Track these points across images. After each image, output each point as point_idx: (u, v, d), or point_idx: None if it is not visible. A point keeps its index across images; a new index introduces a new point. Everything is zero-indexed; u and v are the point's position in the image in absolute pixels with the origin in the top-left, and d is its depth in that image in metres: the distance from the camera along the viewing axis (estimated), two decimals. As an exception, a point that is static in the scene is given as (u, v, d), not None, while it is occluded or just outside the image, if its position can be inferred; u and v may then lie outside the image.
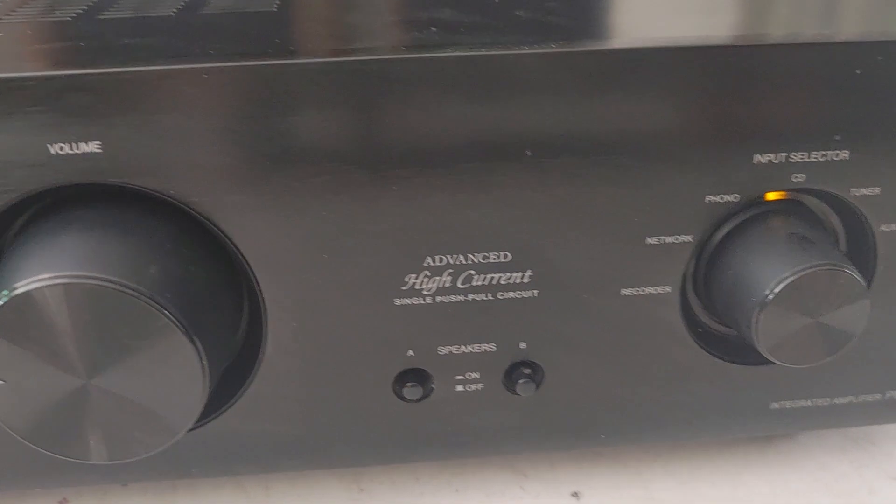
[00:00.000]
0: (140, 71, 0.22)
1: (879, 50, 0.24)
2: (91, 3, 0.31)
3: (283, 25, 0.28)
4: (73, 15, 0.29)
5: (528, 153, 0.24)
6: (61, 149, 0.22)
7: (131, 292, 0.22)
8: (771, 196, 0.26)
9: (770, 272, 0.24)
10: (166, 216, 0.24)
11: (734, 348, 0.28)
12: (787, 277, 0.24)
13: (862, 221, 0.26)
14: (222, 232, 0.24)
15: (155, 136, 0.23)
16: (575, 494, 0.31)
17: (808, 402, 0.29)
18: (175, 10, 0.30)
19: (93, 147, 0.22)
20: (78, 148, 0.22)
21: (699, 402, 0.28)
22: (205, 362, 0.23)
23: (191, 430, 0.27)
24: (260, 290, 0.25)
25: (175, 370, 0.23)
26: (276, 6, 0.30)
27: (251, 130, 0.23)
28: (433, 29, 0.26)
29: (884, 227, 0.26)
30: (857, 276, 0.24)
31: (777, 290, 0.24)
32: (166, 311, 0.22)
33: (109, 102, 0.22)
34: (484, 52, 0.23)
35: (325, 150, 0.23)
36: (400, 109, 0.23)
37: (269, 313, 0.25)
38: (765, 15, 0.28)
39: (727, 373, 0.28)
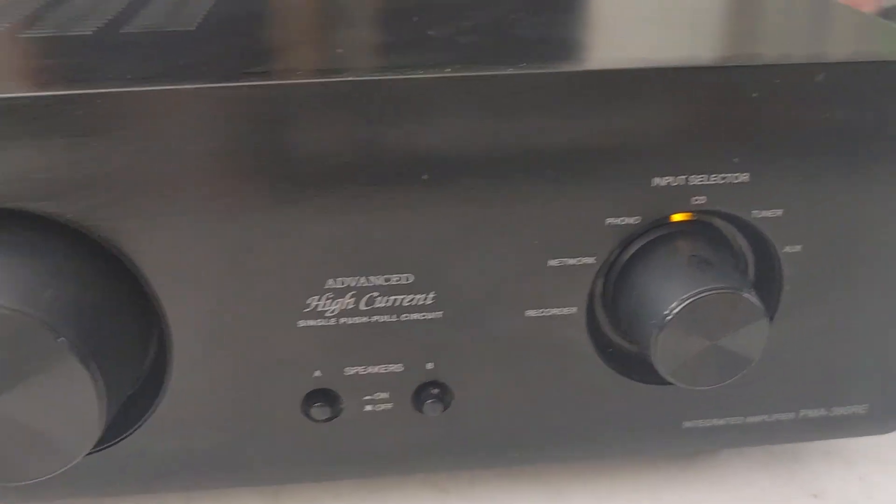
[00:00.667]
0: (35, 97, 0.22)
1: (775, 73, 0.24)
2: (14, 21, 0.31)
3: (196, 45, 0.28)
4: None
5: (425, 177, 0.24)
6: (-46, 174, 0.22)
7: (25, 316, 0.22)
8: (677, 217, 0.26)
9: (669, 294, 0.25)
10: (66, 241, 0.24)
11: (645, 368, 0.28)
12: (684, 300, 0.24)
13: (766, 243, 0.26)
14: (123, 255, 0.24)
15: (50, 161, 0.23)
16: (504, 512, 0.31)
17: (722, 421, 0.29)
18: (94, 29, 0.30)
19: (-15, 172, 0.22)
20: (-30, 173, 0.22)
21: (610, 421, 0.29)
22: (101, 388, 0.23)
23: (105, 448, 0.27)
24: (164, 313, 0.25)
25: (71, 396, 0.23)
26: (195, 25, 0.30)
27: (148, 153, 0.23)
28: (339, 51, 0.26)
29: (787, 249, 0.26)
30: (755, 300, 0.24)
31: (674, 313, 0.24)
32: (61, 336, 0.22)
33: (2, 127, 0.22)
34: (377, 76, 0.23)
35: (221, 173, 0.23)
36: (298, 134, 0.23)
37: (173, 335, 0.25)
38: (667, 37, 0.28)
39: (638, 392, 0.28)
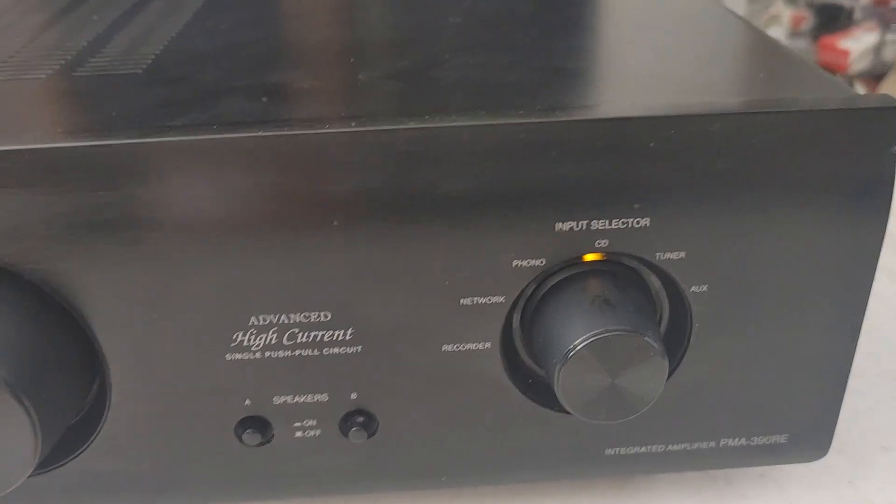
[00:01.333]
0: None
1: (669, 125, 0.25)
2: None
3: (134, 91, 0.30)
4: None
5: (335, 223, 0.25)
6: None
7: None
8: (590, 257, 0.27)
9: (571, 333, 0.26)
10: (5, 283, 0.26)
11: (565, 398, 0.29)
12: (582, 340, 0.25)
13: (674, 283, 0.27)
14: (58, 296, 0.26)
15: (-13, 209, 0.25)
16: (431, 530, 0.32)
17: (643, 449, 0.30)
18: (49, 72, 0.32)
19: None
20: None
21: (532, 449, 0.30)
22: (35, 423, 0.25)
23: (56, 468, 0.29)
24: (100, 347, 0.27)
25: (7, 429, 0.25)
26: (142, 69, 0.31)
27: (73, 203, 0.25)
28: (264, 99, 0.28)
29: (694, 289, 0.27)
30: (652, 342, 0.25)
31: (574, 352, 0.25)
32: (-1, 373, 0.24)
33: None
34: (286, 131, 0.24)
35: (140, 220, 0.25)
36: (213, 184, 0.25)
37: (109, 366, 0.27)
38: (571, 87, 0.29)
39: (559, 422, 0.29)
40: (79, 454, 0.29)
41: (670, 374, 0.29)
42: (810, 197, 0.26)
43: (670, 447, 0.31)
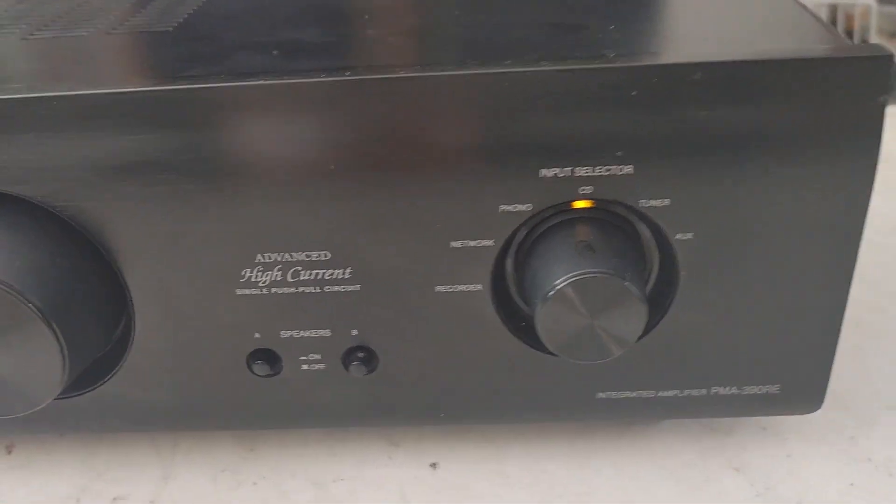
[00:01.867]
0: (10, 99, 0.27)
1: (651, 73, 0.26)
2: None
3: (166, 46, 0.32)
4: None
5: (332, 167, 0.27)
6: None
7: (-1, 282, 0.27)
8: (580, 204, 0.28)
9: (553, 275, 0.27)
10: (39, 219, 0.28)
11: (557, 341, 0.30)
12: (563, 281, 0.26)
13: (660, 231, 0.28)
14: (88, 234, 0.28)
15: (23, 151, 0.27)
16: (433, 465, 0.34)
17: (634, 394, 0.31)
18: (89, 31, 0.34)
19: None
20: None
21: (526, 390, 0.31)
22: (63, 347, 0.27)
23: (84, 392, 0.32)
24: (125, 282, 0.29)
25: (37, 353, 0.27)
26: (172, 26, 0.34)
27: (100, 147, 0.27)
28: (275, 52, 0.30)
29: (679, 236, 0.28)
30: (631, 286, 0.26)
31: (553, 292, 0.27)
32: (29, 302, 0.27)
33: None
34: (287, 80, 0.26)
35: (160, 165, 0.27)
36: (225, 132, 0.27)
37: (134, 301, 0.30)
38: (559, 36, 0.30)
39: (550, 364, 0.31)
40: (106, 381, 0.32)
41: (659, 320, 0.30)
42: (796, 147, 0.27)
43: (661, 393, 0.31)
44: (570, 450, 0.35)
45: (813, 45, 0.27)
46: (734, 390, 0.31)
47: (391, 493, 0.33)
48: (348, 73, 0.26)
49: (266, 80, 0.26)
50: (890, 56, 0.25)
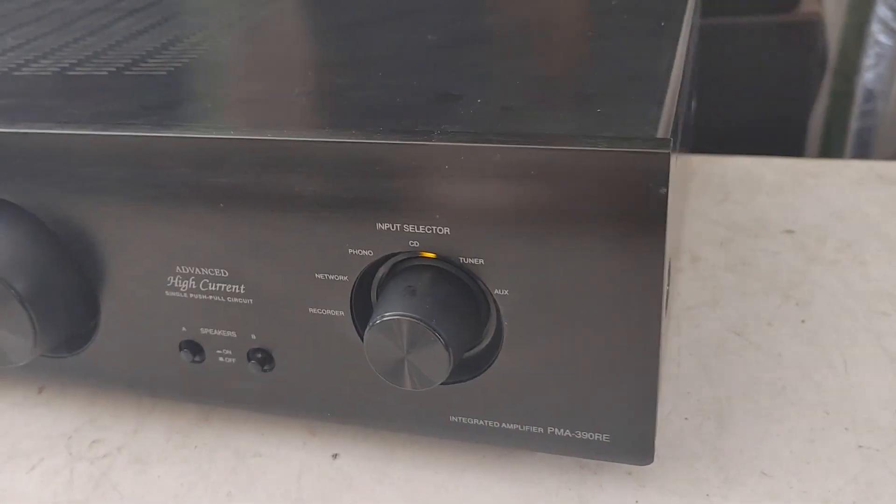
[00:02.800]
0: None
1: (460, 152, 0.30)
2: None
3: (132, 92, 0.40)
4: None
5: (222, 206, 0.34)
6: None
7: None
8: (427, 253, 0.33)
9: (381, 310, 0.32)
10: (22, 220, 0.37)
11: (414, 367, 0.35)
12: (379, 317, 0.32)
13: (483, 285, 0.32)
14: (60, 237, 0.37)
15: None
16: (335, 455, 0.40)
17: (481, 422, 0.36)
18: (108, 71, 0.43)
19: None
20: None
21: (391, 404, 0.36)
22: (35, 325, 0.36)
23: (63, 357, 0.41)
24: (92, 280, 0.38)
25: (14, 326, 0.37)
26: (166, 71, 0.42)
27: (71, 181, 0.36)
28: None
29: (497, 291, 0.32)
30: (434, 331, 0.31)
31: (371, 325, 0.32)
32: (12, 288, 0.36)
33: None
34: (178, 134, 0.33)
35: (110, 192, 0.35)
36: (146, 178, 0.34)
37: (97, 291, 0.38)
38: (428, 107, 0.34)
39: (408, 385, 0.36)
40: (81, 351, 0.41)
41: (494, 360, 0.34)
42: (588, 227, 0.30)
43: (503, 425, 0.35)
44: (451, 459, 0.39)
45: (614, 131, 0.30)
46: (567, 433, 0.35)
47: (290, 474, 0.39)
48: (232, 133, 0.33)
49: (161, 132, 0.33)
50: (666, 154, 0.28)
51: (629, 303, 0.31)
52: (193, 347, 0.38)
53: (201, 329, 0.38)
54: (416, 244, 0.32)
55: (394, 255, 0.33)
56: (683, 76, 0.36)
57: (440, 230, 0.31)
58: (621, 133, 0.29)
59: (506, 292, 0.32)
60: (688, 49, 0.40)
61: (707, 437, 0.39)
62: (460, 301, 0.33)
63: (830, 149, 1.79)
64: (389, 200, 0.32)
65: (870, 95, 1.65)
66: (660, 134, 0.29)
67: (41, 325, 0.37)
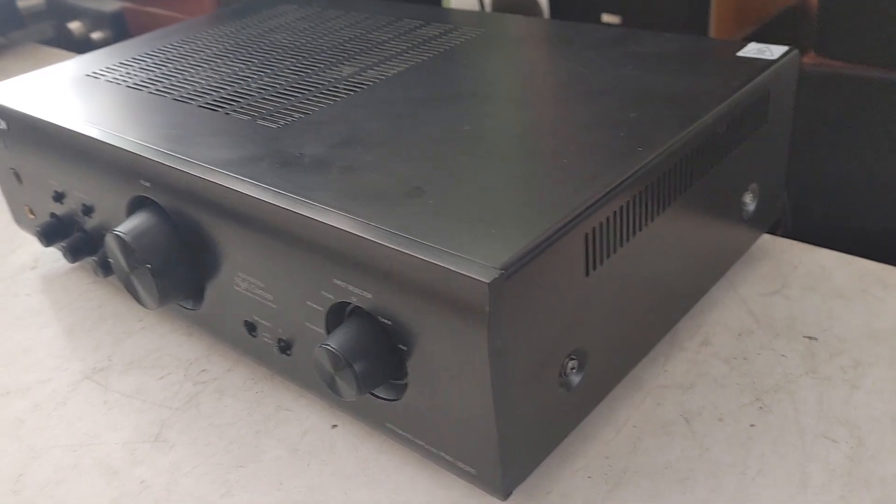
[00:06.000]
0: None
1: (359, 242, 0.42)
2: None
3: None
4: None
5: (260, 247, 0.49)
6: (141, 182, 0.56)
7: None
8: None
9: (326, 338, 0.46)
10: (161, 218, 0.56)
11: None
12: (322, 343, 0.45)
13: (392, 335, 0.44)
14: (181, 231, 0.56)
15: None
16: (334, 426, 0.55)
17: (402, 432, 0.48)
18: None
19: None
20: (144, 184, 0.56)
21: (358, 402, 0.50)
22: (161, 286, 0.55)
23: (196, 309, 0.60)
24: (198, 264, 0.56)
25: (149, 288, 0.56)
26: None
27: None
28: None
29: (399, 345, 0.44)
30: (346, 361, 0.44)
31: (318, 347, 0.45)
32: (148, 262, 0.55)
33: None
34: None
35: (209, 211, 0.53)
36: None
37: (203, 277, 0.56)
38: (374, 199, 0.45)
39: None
40: (198, 309, 0.59)
41: (404, 393, 0.46)
42: (441, 315, 0.40)
43: (416, 440, 0.47)
44: (402, 451, 0.52)
45: (469, 244, 0.40)
46: (451, 459, 0.46)
47: (299, 431, 0.55)
48: (266, 197, 0.48)
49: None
50: (485, 284, 0.38)
51: (470, 382, 0.41)
52: (250, 327, 0.55)
53: (254, 315, 0.54)
54: (354, 299, 0.45)
55: (349, 302, 0.46)
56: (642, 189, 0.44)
57: (367, 294, 0.44)
58: (479, 257, 0.39)
59: (404, 348, 0.44)
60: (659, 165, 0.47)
61: (594, 497, 0.47)
62: (378, 345, 0.45)
63: None
64: (341, 266, 0.45)
65: None
66: (498, 264, 0.39)
67: (162, 290, 0.56)
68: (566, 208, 0.43)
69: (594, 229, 0.44)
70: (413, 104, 0.58)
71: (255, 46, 0.75)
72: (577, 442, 0.51)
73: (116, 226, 0.56)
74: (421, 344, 0.43)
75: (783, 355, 0.56)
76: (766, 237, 0.68)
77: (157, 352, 0.64)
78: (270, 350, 0.54)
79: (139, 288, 0.57)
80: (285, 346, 0.53)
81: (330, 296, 0.46)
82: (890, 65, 1.06)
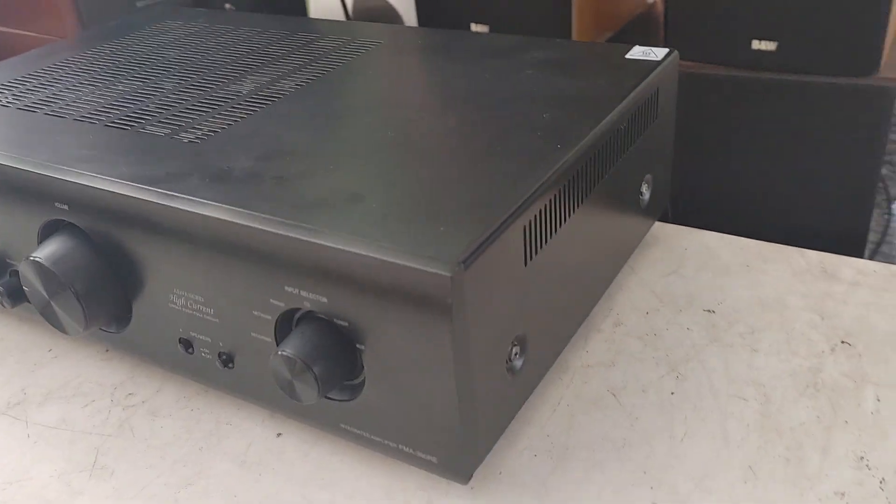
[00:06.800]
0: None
1: (313, 248, 0.44)
2: None
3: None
4: None
5: (200, 257, 0.49)
6: None
7: None
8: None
9: (281, 345, 0.46)
10: (83, 240, 0.55)
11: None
12: (279, 350, 0.46)
13: (349, 338, 0.46)
14: (105, 253, 0.54)
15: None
16: (279, 434, 0.55)
17: (361, 432, 0.49)
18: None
19: None
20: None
21: (308, 406, 0.51)
22: (85, 310, 0.54)
23: (111, 333, 0.59)
24: (125, 285, 0.55)
25: (73, 313, 0.54)
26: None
27: (112, 214, 0.53)
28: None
29: (358, 346, 0.46)
30: (306, 365, 0.45)
31: (275, 355, 0.46)
32: (72, 286, 0.54)
33: None
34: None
35: (134, 226, 0.52)
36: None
37: (130, 297, 0.55)
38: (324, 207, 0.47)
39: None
40: (123, 332, 0.58)
41: (361, 392, 0.47)
42: (404, 311, 0.42)
43: (372, 436, 0.49)
44: (356, 451, 0.53)
45: (415, 242, 0.42)
46: (411, 450, 0.48)
47: (244, 443, 0.55)
48: (203, 210, 0.48)
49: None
50: (448, 277, 0.40)
51: (433, 373, 0.43)
52: (186, 344, 0.55)
53: (190, 332, 0.54)
54: (308, 304, 0.46)
55: (300, 308, 0.47)
56: (566, 185, 0.47)
57: (322, 299, 0.45)
58: (438, 253, 0.42)
59: (363, 347, 0.45)
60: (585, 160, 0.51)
61: (542, 474, 0.51)
62: (334, 347, 0.46)
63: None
64: (293, 273, 0.46)
65: None
66: (457, 258, 0.41)
67: (88, 314, 0.54)
68: (506, 204, 0.46)
69: (530, 222, 0.47)
70: (329, 114, 0.60)
71: (149, 63, 0.74)
72: (517, 424, 0.54)
73: (27, 253, 0.54)
74: (380, 341, 0.45)
75: (688, 328, 0.61)
76: (656, 224, 0.74)
77: (76, 379, 0.62)
78: (210, 365, 0.54)
79: (62, 315, 0.55)
80: (227, 360, 0.53)
81: (280, 303, 0.47)
82: (727, 63, 1.17)
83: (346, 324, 0.45)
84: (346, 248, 0.43)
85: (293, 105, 0.62)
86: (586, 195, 0.54)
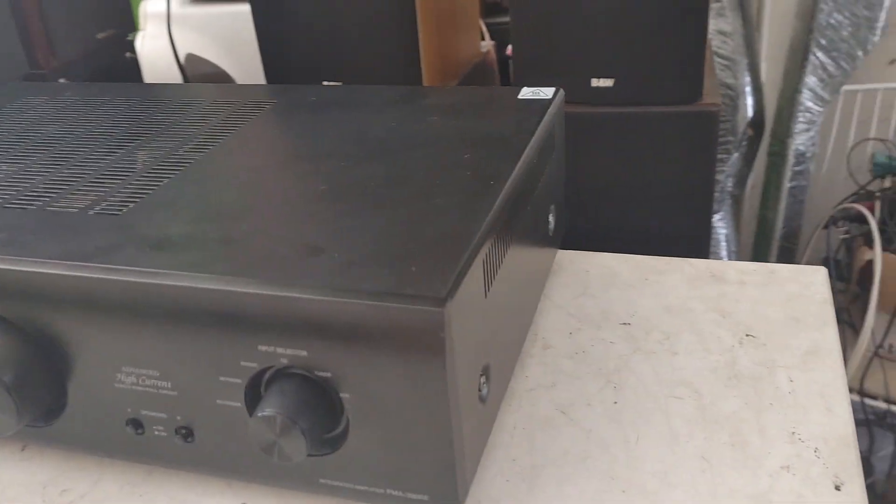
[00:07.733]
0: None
1: (279, 301, 0.44)
2: None
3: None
4: None
5: (152, 328, 0.47)
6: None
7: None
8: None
9: (261, 405, 0.46)
10: (8, 329, 0.51)
11: (292, 443, 0.49)
12: (260, 411, 0.45)
13: (330, 390, 0.46)
14: (35, 339, 0.51)
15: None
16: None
17: (343, 484, 0.49)
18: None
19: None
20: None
21: (280, 467, 0.50)
22: (17, 406, 0.50)
23: (41, 427, 0.54)
24: (60, 371, 0.52)
25: (4, 409, 0.50)
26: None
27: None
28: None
29: (342, 395, 0.46)
30: (285, 418, 0.44)
31: (255, 416, 0.45)
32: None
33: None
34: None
35: (66, 310, 0.49)
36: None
37: (65, 381, 0.52)
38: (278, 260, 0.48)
39: (288, 456, 0.49)
40: (54, 423, 0.54)
41: (344, 442, 0.47)
42: (394, 354, 0.43)
43: (356, 486, 0.49)
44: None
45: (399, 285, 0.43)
46: (400, 493, 0.48)
47: (208, 517, 0.53)
48: (152, 278, 0.47)
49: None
50: (440, 312, 0.42)
51: (427, 409, 0.44)
52: (136, 424, 0.52)
53: (142, 411, 0.51)
54: (285, 361, 0.46)
55: (272, 366, 0.47)
56: (506, 221, 0.50)
57: (295, 353, 0.45)
58: (423, 290, 0.43)
59: (347, 395, 0.46)
60: (517, 194, 0.54)
61: (520, 496, 0.52)
62: (316, 400, 0.46)
63: (767, 204, 1.94)
64: (267, 331, 0.45)
65: (802, 158, 1.80)
66: (441, 293, 0.43)
67: (21, 407, 0.50)
68: (466, 238, 0.48)
69: (487, 255, 0.49)
70: (251, 174, 0.60)
71: (28, 140, 0.70)
72: (484, 452, 0.56)
73: (-59, 351, 0.50)
74: (367, 386, 0.45)
75: (611, 342, 0.66)
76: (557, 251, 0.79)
77: (-4, 485, 0.56)
78: (165, 442, 0.52)
79: (-11, 413, 0.51)
80: (187, 433, 0.51)
81: (252, 364, 0.47)
82: (570, 101, 1.27)
83: (328, 374, 0.45)
84: (328, 298, 0.43)
85: (207, 168, 0.61)
86: (518, 226, 0.57)
